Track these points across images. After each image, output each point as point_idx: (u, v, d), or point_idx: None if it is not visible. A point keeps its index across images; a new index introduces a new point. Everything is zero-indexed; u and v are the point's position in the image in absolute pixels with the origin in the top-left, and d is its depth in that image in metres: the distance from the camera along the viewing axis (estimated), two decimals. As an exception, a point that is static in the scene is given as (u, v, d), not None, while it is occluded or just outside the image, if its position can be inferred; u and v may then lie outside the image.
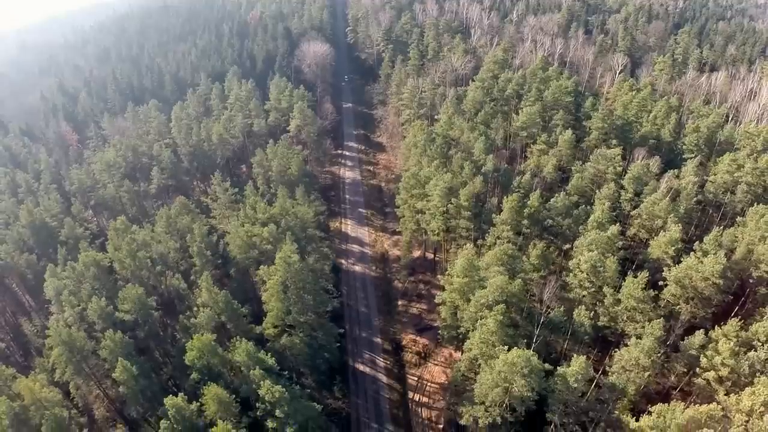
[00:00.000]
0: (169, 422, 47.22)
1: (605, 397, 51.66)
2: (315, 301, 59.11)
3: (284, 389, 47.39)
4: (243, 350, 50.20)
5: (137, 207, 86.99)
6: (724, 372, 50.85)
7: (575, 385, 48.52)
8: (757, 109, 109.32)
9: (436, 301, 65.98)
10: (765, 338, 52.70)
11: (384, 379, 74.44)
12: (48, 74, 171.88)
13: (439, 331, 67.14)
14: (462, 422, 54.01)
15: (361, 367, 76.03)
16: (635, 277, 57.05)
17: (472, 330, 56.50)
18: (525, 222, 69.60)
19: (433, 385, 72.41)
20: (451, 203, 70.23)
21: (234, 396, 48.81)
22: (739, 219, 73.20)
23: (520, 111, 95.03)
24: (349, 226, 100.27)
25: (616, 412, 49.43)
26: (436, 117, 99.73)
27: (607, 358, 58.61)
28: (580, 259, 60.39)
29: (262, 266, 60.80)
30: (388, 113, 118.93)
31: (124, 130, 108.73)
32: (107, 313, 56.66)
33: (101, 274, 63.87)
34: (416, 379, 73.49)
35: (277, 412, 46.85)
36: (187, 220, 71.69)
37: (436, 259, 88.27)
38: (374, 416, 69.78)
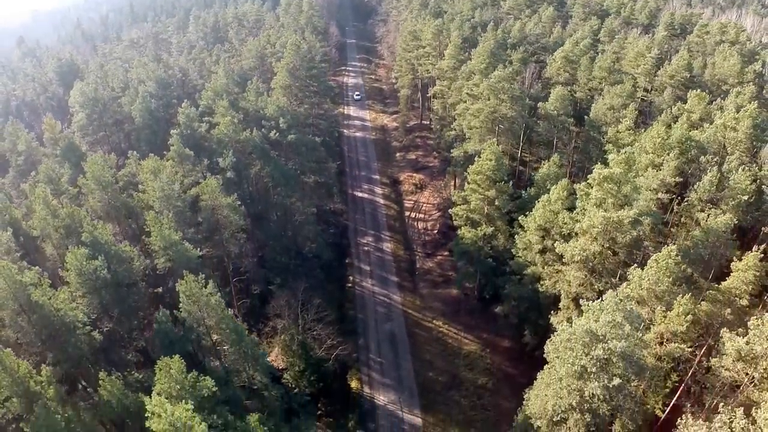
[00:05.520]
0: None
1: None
2: (321, 88, 65.58)
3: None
4: (253, 89, 56.41)
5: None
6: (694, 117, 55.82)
7: (554, 113, 54.28)
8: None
9: (428, 95, 72.12)
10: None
11: (381, 201, 79.82)
12: (62, 28, 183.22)
13: (432, 126, 72.70)
14: (452, 154, 59.22)
15: (360, 194, 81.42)
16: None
17: (462, 101, 62.59)
18: (509, 52, 76.67)
19: (428, 204, 77.78)
20: (443, 35, 77.57)
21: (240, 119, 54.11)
22: (708, 59, 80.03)
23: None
24: (351, 110, 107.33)
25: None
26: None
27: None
28: (555, 55, 67.14)
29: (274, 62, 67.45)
30: (389, 31, 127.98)
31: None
32: (130, 84, 63.16)
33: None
34: (413, 202, 78.95)
35: (281, 122, 52.44)
36: (205, 53, 79.02)
37: (432, 125, 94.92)
38: (372, 226, 74.86)
